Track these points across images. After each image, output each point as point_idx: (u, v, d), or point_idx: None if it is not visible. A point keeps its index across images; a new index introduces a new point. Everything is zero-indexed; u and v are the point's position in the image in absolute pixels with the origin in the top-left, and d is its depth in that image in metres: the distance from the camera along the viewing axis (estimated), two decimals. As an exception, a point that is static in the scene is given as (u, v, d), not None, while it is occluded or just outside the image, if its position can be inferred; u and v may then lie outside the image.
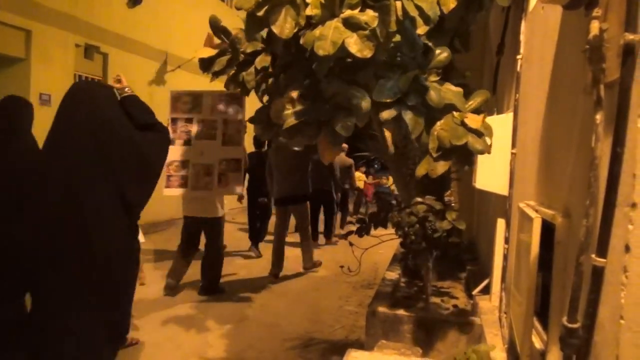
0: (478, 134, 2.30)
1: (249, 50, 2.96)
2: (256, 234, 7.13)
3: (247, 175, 6.99)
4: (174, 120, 4.49)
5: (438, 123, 2.34)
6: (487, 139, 2.33)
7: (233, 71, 3.02)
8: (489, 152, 2.34)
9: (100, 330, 2.24)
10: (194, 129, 4.41)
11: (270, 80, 2.82)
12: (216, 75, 3.07)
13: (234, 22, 3.18)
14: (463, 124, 2.30)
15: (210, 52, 3.05)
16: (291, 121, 2.22)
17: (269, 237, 7.54)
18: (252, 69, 2.90)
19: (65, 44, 6.60)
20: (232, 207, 7.44)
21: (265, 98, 3.01)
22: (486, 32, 4.30)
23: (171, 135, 4.00)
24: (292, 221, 6.29)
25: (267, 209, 7.28)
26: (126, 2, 2.90)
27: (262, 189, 6.88)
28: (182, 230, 5.06)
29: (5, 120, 2.65)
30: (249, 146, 6.06)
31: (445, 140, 2.28)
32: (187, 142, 4.42)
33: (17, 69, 6.10)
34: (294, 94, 2.28)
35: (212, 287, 4.95)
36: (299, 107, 2.25)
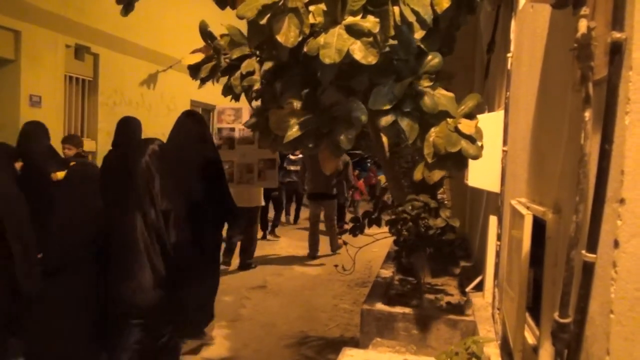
0: (471, 139, 2.32)
1: (235, 56, 2.96)
2: (274, 222, 8.54)
3: None
4: (220, 130, 5.34)
5: (433, 129, 2.36)
6: (479, 143, 2.36)
7: (226, 78, 3.01)
8: (480, 157, 2.38)
9: None
10: (237, 136, 5.28)
11: (257, 85, 2.82)
12: (203, 81, 3.08)
13: (229, 22, 3.16)
14: (457, 130, 2.32)
15: (196, 58, 3.04)
16: (293, 134, 2.22)
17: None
18: (238, 74, 2.89)
19: (55, 45, 6.53)
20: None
21: (255, 103, 3.01)
22: (477, 30, 4.33)
23: (217, 141, 4.99)
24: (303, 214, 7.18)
25: (280, 202, 8.52)
26: (120, 9, 2.92)
27: None
28: None
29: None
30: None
31: (441, 147, 2.30)
32: (230, 147, 5.30)
33: (6, 70, 6.03)
34: (296, 105, 2.27)
35: (245, 264, 6.20)
36: (301, 119, 2.23)
